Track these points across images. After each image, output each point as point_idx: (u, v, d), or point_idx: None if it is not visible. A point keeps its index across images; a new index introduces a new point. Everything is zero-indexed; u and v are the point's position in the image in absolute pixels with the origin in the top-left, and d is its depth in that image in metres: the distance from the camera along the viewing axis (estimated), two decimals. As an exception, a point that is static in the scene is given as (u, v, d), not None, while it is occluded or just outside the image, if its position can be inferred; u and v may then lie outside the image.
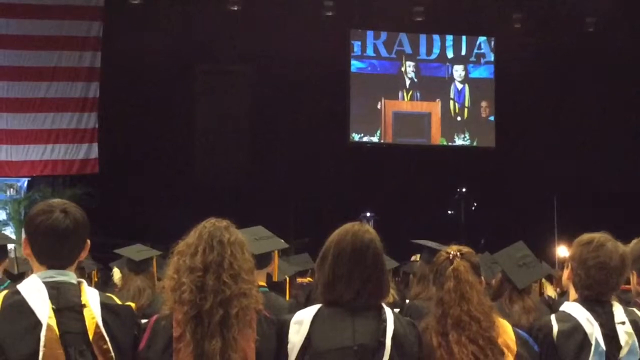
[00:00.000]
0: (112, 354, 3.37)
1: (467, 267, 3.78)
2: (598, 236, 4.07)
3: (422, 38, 26.02)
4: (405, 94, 26.10)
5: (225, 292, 3.43)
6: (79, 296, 3.43)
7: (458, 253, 3.84)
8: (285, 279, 6.86)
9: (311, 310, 3.59)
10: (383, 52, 25.94)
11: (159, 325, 3.48)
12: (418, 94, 26.14)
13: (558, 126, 24.41)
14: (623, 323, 3.94)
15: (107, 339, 3.37)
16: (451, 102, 26.27)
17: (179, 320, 3.40)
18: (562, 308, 4.08)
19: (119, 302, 3.57)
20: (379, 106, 25.87)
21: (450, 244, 4.08)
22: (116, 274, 8.85)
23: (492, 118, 26.34)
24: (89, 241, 3.61)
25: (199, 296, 3.41)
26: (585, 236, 4.10)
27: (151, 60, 21.61)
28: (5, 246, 7.07)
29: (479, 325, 3.65)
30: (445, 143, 26.18)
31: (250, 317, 3.48)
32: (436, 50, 26.13)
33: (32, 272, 3.56)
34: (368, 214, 23.63)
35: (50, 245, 3.47)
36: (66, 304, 3.38)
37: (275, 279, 5.72)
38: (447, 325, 3.67)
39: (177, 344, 3.38)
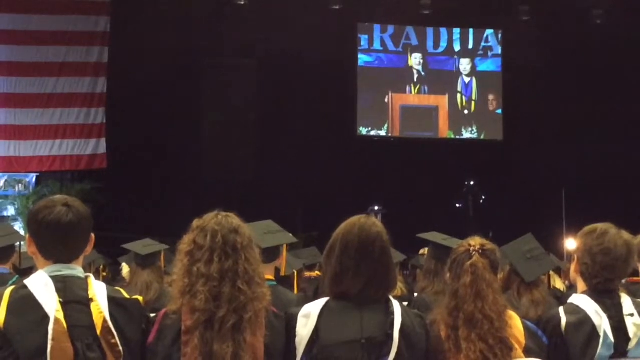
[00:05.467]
0: (120, 347, 3.37)
1: (485, 264, 3.77)
2: (601, 225, 4.09)
3: (429, 31, 26.00)
4: (412, 88, 26.09)
5: (240, 299, 3.42)
6: (86, 290, 3.43)
7: (480, 248, 3.82)
8: (293, 273, 6.87)
9: (319, 304, 3.60)
10: (390, 46, 25.93)
11: (168, 319, 3.48)
12: (425, 88, 26.13)
13: (566, 118, 24.35)
14: (632, 315, 3.94)
15: (114, 333, 3.37)
16: (459, 95, 26.25)
17: (188, 325, 3.39)
18: (570, 300, 4.08)
19: (126, 295, 3.56)
20: (386, 100, 25.86)
21: (461, 237, 4.06)
22: (125, 268, 8.87)
23: (499, 111, 26.30)
24: (93, 235, 3.61)
25: (214, 304, 3.40)
26: (588, 227, 4.12)
27: (158, 55, 21.63)
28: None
29: (492, 324, 3.64)
30: (452, 136, 26.17)
31: (261, 319, 3.48)
32: (443, 44, 26.10)
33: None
34: (376, 208, 23.57)
35: (54, 240, 3.47)
36: (73, 298, 3.39)
37: (283, 273, 5.73)
38: (458, 319, 3.67)
39: (186, 338, 3.38)
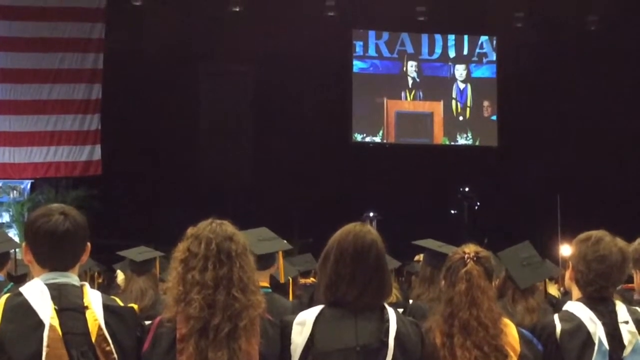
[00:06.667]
0: (115, 355, 3.37)
1: (480, 271, 3.78)
2: (595, 232, 4.08)
3: (424, 38, 26.06)
4: (407, 94, 26.12)
5: (234, 306, 3.42)
6: (82, 298, 3.44)
7: (474, 256, 3.83)
8: (288, 280, 6.86)
9: (314, 311, 3.59)
10: (385, 52, 25.97)
11: (163, 326, 3.48)
12: (420, 94, 26.17)
13: (560, 125, 24.41)
14: (626, 322, 3.93)
15: (109, 340, 3.37)
16: (453, 101, 26.30)
17: (183, 333, 3.39)
18: (565, 307, 4.08)
19: (121, 303, 3.56)
20: (381, 106, 25.88)
21: (456, 244, 4.06)
22: (120, 275, 8.86)
23: (494, 117, 26.36)
24: (89, 244, 3.61)
25: (208, 312, 3.40)
26: (583, 234, 4.11)
27: (154, 62, 21.65)
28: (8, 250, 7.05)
29: (487, 331, 3.65)
30: (447, 143, 26.21)
31: (256, 326, 3.48)
32: (438, 50, 26.16)
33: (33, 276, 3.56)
34: (371, 214, 23.62)
35: (50, 248, 3.47)
36: (68, 305, 3.39)
37: (282, 280, 5.73)
38: (453, 326, 3.68)
39: (181, 346, 3.38)
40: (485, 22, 24.92)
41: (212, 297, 3.42)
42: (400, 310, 4.34)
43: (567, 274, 4.19)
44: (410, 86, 26.08)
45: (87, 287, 3.52)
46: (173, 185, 22.70)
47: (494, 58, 26.41)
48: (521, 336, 3.78)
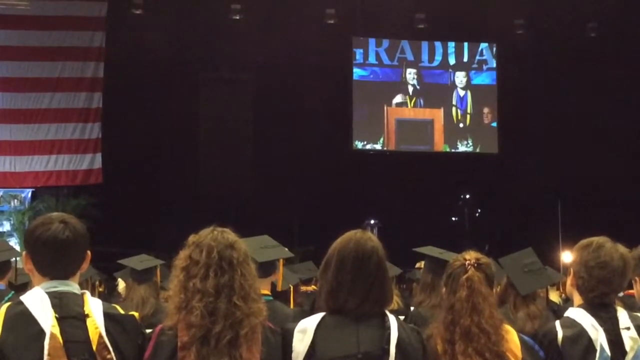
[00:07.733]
0: (116, 364, 3.37)
1: (481, 278, 3.78)
2: (597, 239, 4.08)
3: (424, 45, 26.07)
4: (408, 101, 26.12)
5: (235, 314, 3.42)
6: (82, 306, 3.44)
7: (475, 262, 3.82)
8: (289, 287, 6.85)
9: (315, 319, 3.59)
10: (385, 60, 25.98)
11: (164, 334, 3.47)
12: (421, 101, 26.17)
13: (561, 131, 24.40)
14: (628, 328, 3.92)
15: (110, 348, 3.37)
16: (454, 108, 26.30)
17: (184, 342, 3.39)
18: (566, 314, 4.08)
19: (122, 312, 3.56)
20: (381, 113, 25.88)
21: (457, 251, 4.07)
22: (121, 284, 8.84)
23: (494, 124, 26.35)
24: (89, 252, 3.61)
25: (210, 320, 3.40)
26: (584, 240, 4.11)
27: (154, 70, 21.67)
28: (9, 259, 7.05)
29: (488, 338, 3.64)
30: (448, 149, 26.19)
31: (257, 334, 3.48)
32: (438, 57, 26.17)
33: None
34: (372, 221, 23.62)
35: (51, 256, 3.48)
36: (69, 313, 3.40)
37: (279, 288, 5.72)
38: (455, 333, 3.67)
39: (182, 354, 3.38)
40: (485, 29, 24.93)
41: (214, 305, 3.42)
42: (402, 317, 4.34)
43: (569, 281, 4.18)
44: (410, 93, 26.09)
45: (87, 295, 3.52)
46: (174, 193, 22.71)
47: (494, 65, 26.43)
48: (522, 343, 3.78)
